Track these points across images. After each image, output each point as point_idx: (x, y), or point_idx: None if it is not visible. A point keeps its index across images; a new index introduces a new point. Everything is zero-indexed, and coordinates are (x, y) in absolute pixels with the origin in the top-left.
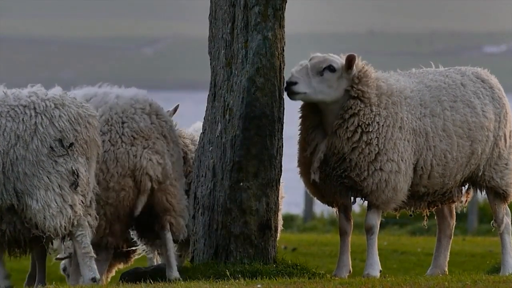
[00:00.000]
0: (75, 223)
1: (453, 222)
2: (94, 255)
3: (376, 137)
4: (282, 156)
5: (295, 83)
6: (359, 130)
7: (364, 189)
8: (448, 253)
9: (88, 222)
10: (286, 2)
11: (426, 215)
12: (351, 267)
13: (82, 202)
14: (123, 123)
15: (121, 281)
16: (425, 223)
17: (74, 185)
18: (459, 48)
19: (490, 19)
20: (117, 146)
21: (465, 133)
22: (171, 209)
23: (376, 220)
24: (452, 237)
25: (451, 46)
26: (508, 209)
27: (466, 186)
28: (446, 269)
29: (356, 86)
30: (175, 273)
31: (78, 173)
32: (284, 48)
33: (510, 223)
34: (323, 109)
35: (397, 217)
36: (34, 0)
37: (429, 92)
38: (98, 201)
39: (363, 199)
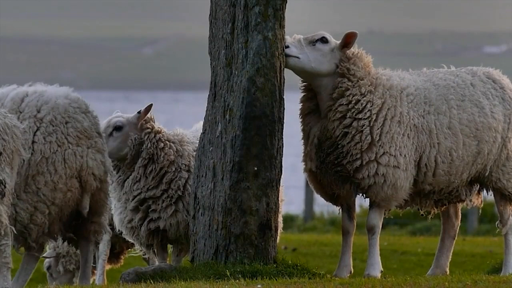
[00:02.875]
0: (2, 232)
1: (458, 223)
2: (11, 266)
3: (369, 125)
4: (282, 156)
5: (287, 47)
6: (349, 114)
7: (361, 182)
8: (450, 254)
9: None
10: (286, 2)
11: (434, 214)
12: (352, 267)
13: (7, 212)
14: (66, 123)
15: (121, 281)
16: (429, 217)
17: (1, 195)
18: (459, 48)
19: (490, 19)
20: (64, 147)
21: (472, 132)
22: (102, 210)
23: (377, 220)
24: (459, 238)
25: (451, 46)
26: None
27: (477, 188)
28: (447, 270)
29: (343, 64)
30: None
31: (5, 184)
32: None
33: None
34: (318, 92)
35: (401, 215)
36: (34, 0)
37: (436, 90)
38: (44, 200)
39: (364, 196)
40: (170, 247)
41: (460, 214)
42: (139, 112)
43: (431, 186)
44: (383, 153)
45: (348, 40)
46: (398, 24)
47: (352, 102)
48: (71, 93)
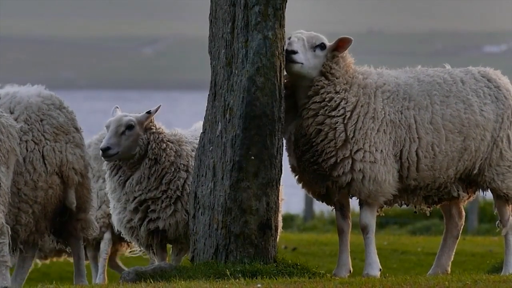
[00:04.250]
0: None
1: (461, 223)
2: (10, 265)
3: (343, 122)
4: (282, 156)
5: (296, 52)
6: (321, 112)
7: (338, 180)
8: (453, 254)
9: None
10: (286, 1)
11: (428, 211)
12: (351, 267)
13: (3, 211)
14: (41, 120)
15: (121, 280)
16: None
17: None
18: (459, 48)
19: (490, 19)
20: (42, 144)
21: (456, 128)
22: (86, 206)
23: (369, 218)
24: (459, 238)
25: (451, 46)
26: None
27: (475, 189)
28: (449, 269)
29: (327, 62)
30: (86, 281)
31: (0, 183)
32: (284, 48)
33: None
34: (297, 91)
35: (389, 212)
36: (34, 0)
37: (419, 86)
38: (26, 200)
39: (350, 195)
40: (169, 247)
41: (463, 214)
42: (148, 112)
43: (416, 181)
44: (358, 150)
45: (341, 44)
46: (398, 24)
47: (326, 100)
48: (43, 90)
